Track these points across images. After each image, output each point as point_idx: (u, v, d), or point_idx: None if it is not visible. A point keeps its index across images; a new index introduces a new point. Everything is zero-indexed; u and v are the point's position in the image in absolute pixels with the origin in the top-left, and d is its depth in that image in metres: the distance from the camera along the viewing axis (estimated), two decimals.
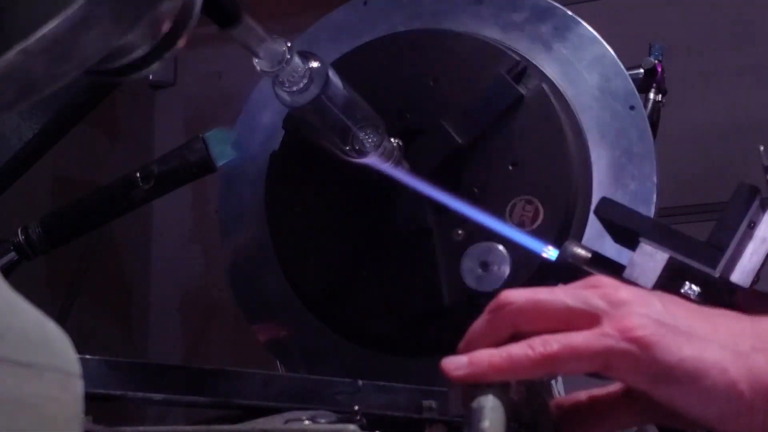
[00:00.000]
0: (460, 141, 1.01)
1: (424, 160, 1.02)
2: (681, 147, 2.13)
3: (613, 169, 1.02)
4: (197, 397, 0.78)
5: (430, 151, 1.02)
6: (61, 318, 1.88)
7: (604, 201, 0.88)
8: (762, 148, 0.82)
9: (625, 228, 0.85)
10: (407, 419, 0.77)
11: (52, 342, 0.49)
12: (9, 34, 0.54)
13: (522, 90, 1.02)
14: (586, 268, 0.86)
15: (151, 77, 2.77)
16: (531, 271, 0.98)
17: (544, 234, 0.98)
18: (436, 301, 1.01)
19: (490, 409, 0.64)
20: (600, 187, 1.01)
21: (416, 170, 1.01)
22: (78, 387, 0.50)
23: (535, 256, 0.95)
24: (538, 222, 0.99)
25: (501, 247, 0.99)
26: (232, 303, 1.13)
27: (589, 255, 0.87)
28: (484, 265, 0.99)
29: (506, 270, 0.99)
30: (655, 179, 1.00)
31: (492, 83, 1.02)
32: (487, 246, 0.99)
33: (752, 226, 0.81)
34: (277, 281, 1.09)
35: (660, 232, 0.83)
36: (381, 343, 1.04)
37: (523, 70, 1.03)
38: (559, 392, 1.12)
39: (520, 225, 0.99)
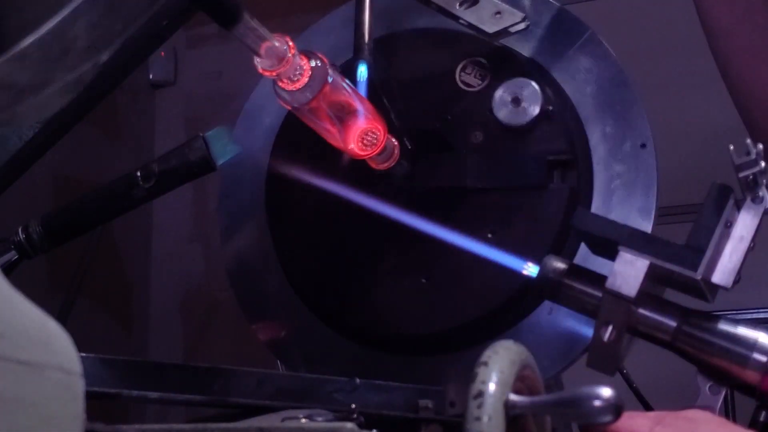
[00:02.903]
0: (468, 184, 1.01)
1: (429, 177, 1.02)
2: (681, 147, 2.13)
3: None
4: (193, 395, 0.78)
5: (438, 172, 1.02)
6: (61, 317, 1.88)
7: (580, 212, 0.88)
8: (732, 147, 0.81)
9: (603, 238, 0.84)
10: (403, 418, 0.77)
11: (53, 340, 0.49)
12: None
13: (550, 183, 0.99)
14: (567, 281, 0.87)
15: (151, 76, 2.78)
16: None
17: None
18: (435, 299, 1.01)
19: (490, 407, 0.64)
20: None
21: (417, 179, 1.02)
22: (79, 385, 0.50)
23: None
24: None
25: (535, 85, 0.98)
26: (233, 303, 1.13)
27: (569, 267, 0.87)
28: (516, 101, 0.99)
29: (536, 109, 0.98)
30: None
31: (529, 157, 0.99)
32: (522, 82, 0.98)
33: (729, 226, 0.82)
34: (278, 281, 1.09)
35: (638, 239, 0.82)
36: (381, 342, 1.04)
37: (568, 162, 0.99)
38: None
39: None
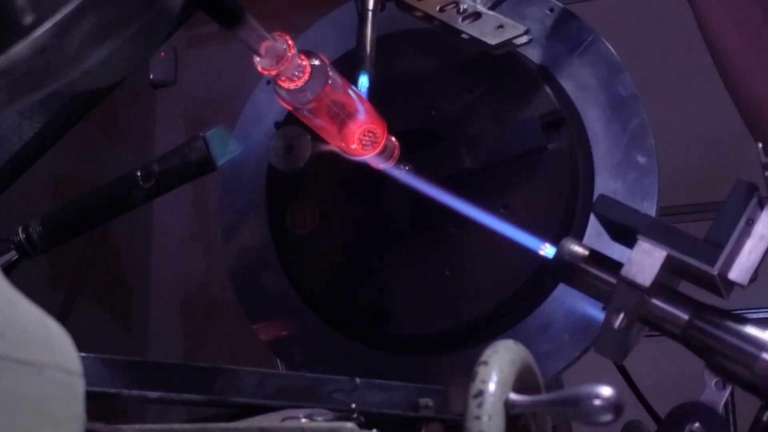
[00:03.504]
0: (467, 165, 1.01)
1: (429, 169, 1.02)
2: (681, 146, 2.13)
3: None
4: (193, 395, 0.77)
5: (437, 163, 1.02)
6: (62, 317, 1.89)
7: (602, 198, 0.87)
8: (760, 145, 0.81)
9: (623, 225, 0.84)
10: (404, 417, 0.77)
11: (53, 340, 0.49)
12: None
13: (548, 142, 0.99)
14: (583, 266, 0.86)
15: (151, 76, 2.78)
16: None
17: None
18: (435, 299, 1.01)
19: (490, 406, 0.64)
20: None
21: (419, 174, 1.02)
22: (79, 385, 0.50)
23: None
24: None
25: (307, 135, 0.99)
26: (233, 302, 1.13)
27: (587, 253, 0.86)
28: (289, 147, 1.01)
29: (308, 153, 0.99)
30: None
31: (522, 123, 1.00)
32: (294, 129, 1.00)
33: (750, 224, 0.81)
34: (278, 280, 1.09)
35: (658, 229, 0.82)
36: (381, 341, 1.04)
37: (560, 120, 1.00)
38: None
39: None
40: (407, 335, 1.03)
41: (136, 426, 0.69)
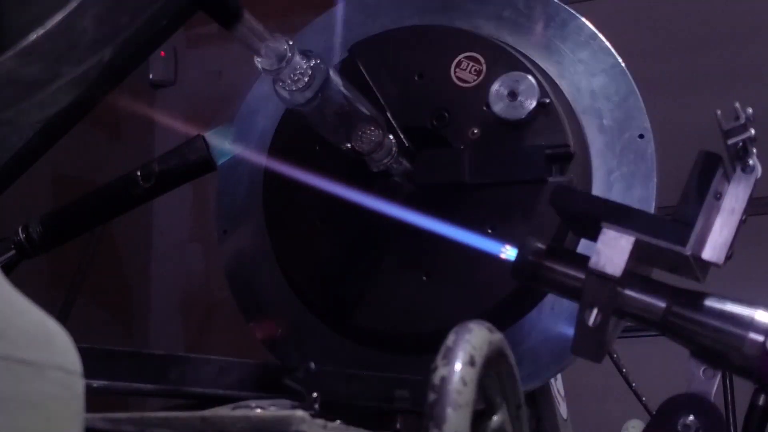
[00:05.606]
0: (467, 179, 0.99)
1: (427, 174, 1.01)
2: (681, 146, 2.13)
3: None
4: (144, 384, 0.72)
5: (437, 168, 1.01)
6: (61, 316, 1.88)
7: (559, 190, 0.82)
8: (719, 112, 0.74)
9: (585, 214, 0.78)
10: (379, 409, 0.72)
11: (53, 340, 0.49)
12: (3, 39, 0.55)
13: (550, 176, 0.97)
14: (548, 263, 0.81)
15: (151, 76, 2.78)
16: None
17: None
18: (434, 297, 1.01)
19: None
20: None
21: (416, 176, 1.01)
22: (79, 385, 0.50)
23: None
24: None
25: (532, 79, 0.96)
26: (233, 302, 1.13)
27: (550, 249, 0.81)
28: (513, 95, 0.97)
29: (533, 102, 0.96)
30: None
31: (527, 150, 0.98)
32: (518, 75, 0.97)
33: (718, 198, 0.76)
34: (275, 279, 1.09)
35: (622, 214, 0.76)
36: (378, 340, 1.04)
37: (568, 155, 0.98)
38: (558, 390, 1.12)
39: None
40: (404, 334, 1.03)
41: (109, 415, 0.65)
